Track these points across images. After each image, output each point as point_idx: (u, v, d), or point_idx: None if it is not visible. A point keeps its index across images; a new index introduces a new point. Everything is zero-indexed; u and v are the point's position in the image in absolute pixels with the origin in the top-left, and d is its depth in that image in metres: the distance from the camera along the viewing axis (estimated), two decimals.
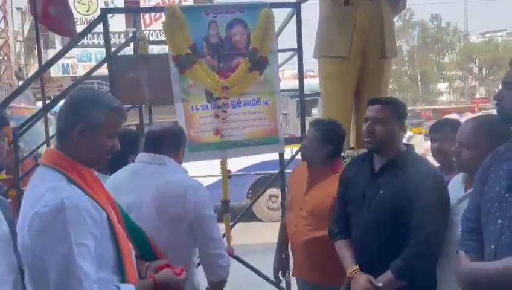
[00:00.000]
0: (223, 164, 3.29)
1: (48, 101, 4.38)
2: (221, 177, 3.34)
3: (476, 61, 27.92)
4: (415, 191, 1.87)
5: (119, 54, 3.77)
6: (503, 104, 1.51)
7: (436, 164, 2.33)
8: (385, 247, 1.92)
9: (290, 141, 3.60)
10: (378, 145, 2.00)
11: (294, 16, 3.34)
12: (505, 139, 1.62)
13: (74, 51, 13.28)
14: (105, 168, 2.13)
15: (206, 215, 1.92)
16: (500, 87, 1.54)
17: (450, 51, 25.65)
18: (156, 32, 15.11)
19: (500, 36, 27.99)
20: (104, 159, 1.49)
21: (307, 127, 2.74)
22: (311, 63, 3.82)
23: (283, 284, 3.03)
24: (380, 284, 1.89)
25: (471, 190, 1.77)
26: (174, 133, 2.08)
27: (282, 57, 3.64)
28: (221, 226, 3.29)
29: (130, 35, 3.89)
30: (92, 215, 1.32)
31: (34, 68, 17.93)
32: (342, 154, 2.72)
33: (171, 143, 2.01)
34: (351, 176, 2.14)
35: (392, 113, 1.99)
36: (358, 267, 2.00)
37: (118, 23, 13.91)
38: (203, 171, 6.12)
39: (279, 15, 3.48)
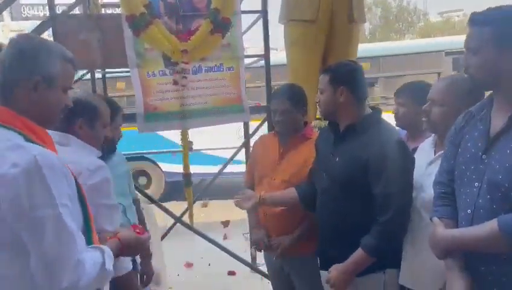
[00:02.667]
0: (184, 135, 3.08)
1: None
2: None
3: None
4: (371, 157, 1.77)
5: None
6: (470, 72, 1.40)
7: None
8: (342, 214, 1.86)
9: (255, 110, 3.42)
10: (324, 115, 2.00)
11: None
12: (477, 99, 1.55)
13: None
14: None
15: (101, 204, 1.60)
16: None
17: (410, 30, 26.12)
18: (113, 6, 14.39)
19: (457, 16, 28.76)
20: (57, 118, 1.31)
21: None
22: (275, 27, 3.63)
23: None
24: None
25: (441, 152, 1.69)
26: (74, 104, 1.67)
27: (246, 21, 3.43)
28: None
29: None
30: (65, 174, 1.20)
31: None
32: (310, 124, 2.59)
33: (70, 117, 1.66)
34: (319, 144, 2.09)
35: (327, 81, 1.91)
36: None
37: None
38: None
39: None
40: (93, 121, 1.72)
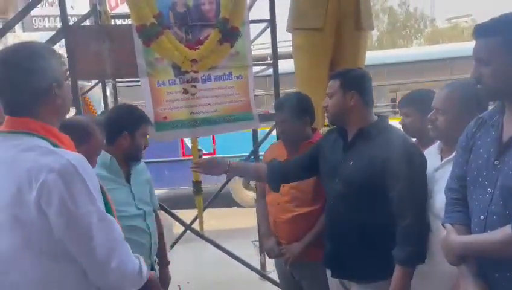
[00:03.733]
0: (194, 143, 3.11)
1: None
2: None
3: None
4: (388, 159, 1.77)
5: None
6: (483, 81, 1.40)
7: None
8: (354, 219, 1.85)
9: (264, 117, 3.44)
10: (333, 119, 1.99)
11: None
12: (479, 105, 1.56)
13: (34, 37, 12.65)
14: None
15: None
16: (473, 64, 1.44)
17: (417, 36, 26.03)
18: (123, 17, 14.53)
19: (466, 22, 28.62)
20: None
21: None
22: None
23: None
24: None
25: (448, 158, 1.69)
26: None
27: (254, 31, 3.46)
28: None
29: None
30: (94, 173, 1.28)
31: None
32: (319, 131, 2.61)
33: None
34: (325, 146, 2.08)
35: (338, 85, 1.92)
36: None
37: (81, 7, 13.32)
38: None
39: None
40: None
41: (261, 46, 6.76)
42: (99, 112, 4.79)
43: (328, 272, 2.06)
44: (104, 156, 1.96)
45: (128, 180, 2.05)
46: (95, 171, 1.81)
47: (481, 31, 1.38)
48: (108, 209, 1.31)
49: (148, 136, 2.22)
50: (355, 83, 1.92)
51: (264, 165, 2.20)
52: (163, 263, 2.31)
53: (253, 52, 3.15)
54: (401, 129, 2.21)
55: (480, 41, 1.39)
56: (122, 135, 2.02)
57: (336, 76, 1.97)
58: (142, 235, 2.03)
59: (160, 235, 2.26)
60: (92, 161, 1.56)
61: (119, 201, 1.93)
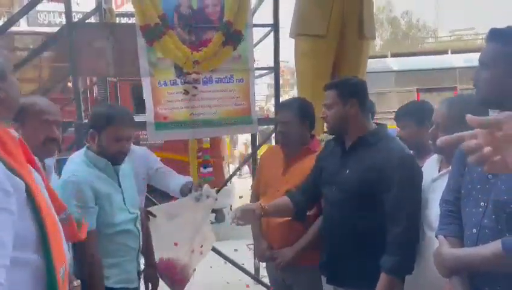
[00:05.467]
0: (193, 144, 3.12)
1: None
2: None
3: None
4: (384, 167, 1.78)
5: None
6: (478, 85, 1.41)
7: None
8: (352, 226, 1.85)
9: (263, 121, 3.45)
10: (333, 130, 1.98)
11: None
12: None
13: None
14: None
15: None
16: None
17: (419, 47, 26.19)
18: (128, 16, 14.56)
19: (469, 35, 28.71)
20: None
21: None
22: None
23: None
24: None
25: (446, 170, 1.70)
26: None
27: (257, 35, 3.48)
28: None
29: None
30: (3, 187, 1.08)
31: None
32: (318, 137, 2.62)
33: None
34: (324, 158, 2.09)
35: (336, 95, 1.91)
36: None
37: (87, 4, 13.33)
38: None
39: None
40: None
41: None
42: None
43: (323, 279, 2.06)
44: (97, 159, 1.92)
45: (118, 184, 1.99)
46: (94, 173, 1.77)
47: (493, 35, 1.38)
48: (44, 237, 1.14)
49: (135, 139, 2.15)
50: (354, 91, 1.92)
51: (287, 200, 2.14)
52: (149, 263, 2.26)
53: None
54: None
55: (488, 45, 1.39)
56: (90, 133, 1.94)
57: (331, 86, 1.96)
58: (134, 239, 2.00)
59: (146, 235, 2.22)
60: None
61: (116, 206, 1.92)
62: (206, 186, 2.36)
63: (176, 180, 2.46)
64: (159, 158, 2.63)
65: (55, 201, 1.33)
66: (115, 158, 1.94)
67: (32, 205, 1.14)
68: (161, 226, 2.44)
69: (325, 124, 2.03)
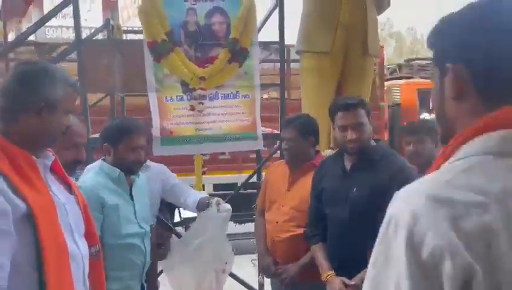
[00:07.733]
0: (198, 159, 3.13)
1: None
2: None
3: None
4: (394, 183, 1.78)
5: None
6: None
7: None
8: (363, 245, 1.82)
9: (268, 137, 3.46)
10: (362, 149, 1.97)
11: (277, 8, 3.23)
12: None
13: None
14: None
15: None
16: None
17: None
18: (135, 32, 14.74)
19: None
20: (57, 140, 1.32)
21: None
22: None
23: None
24: (352, 282, 1.87)
25: None
26: None
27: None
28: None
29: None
30: (1, 207, 1.10)
31: None
32: (322, 153, 2.63)
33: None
34: (323, 177, 2.10)
35: (366, 113, 1.98)
36: (333, 271, 1.97)
37: (95, 19, 13.51)
38: None
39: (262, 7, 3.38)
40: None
41: None
42: None
43: None
44: (112, 169, 1.97)
45: (131, 197, 2.03)
46: (103, 183, 1.81)
47: None
48: (39, 258, 1.13)
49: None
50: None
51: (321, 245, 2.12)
52: (151, 280, 2.26)
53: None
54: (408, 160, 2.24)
55: None
56: (104, 146, 2.01)
57: (356, 106, 1.99)
58: (138, 255, 2.00)
59: (154, 256, 2.23)
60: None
61: (124, 217, 1.94)
62: (216, 199, 2.37)
63: (192, 196, 2.48)
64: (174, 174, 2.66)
65: (89, 232, 1.36)
66: (132, 168, 2.00)
67: (33, 227, 1.13)
68: (177, 270, 2.40)
69: (352, 146, 1.97)
